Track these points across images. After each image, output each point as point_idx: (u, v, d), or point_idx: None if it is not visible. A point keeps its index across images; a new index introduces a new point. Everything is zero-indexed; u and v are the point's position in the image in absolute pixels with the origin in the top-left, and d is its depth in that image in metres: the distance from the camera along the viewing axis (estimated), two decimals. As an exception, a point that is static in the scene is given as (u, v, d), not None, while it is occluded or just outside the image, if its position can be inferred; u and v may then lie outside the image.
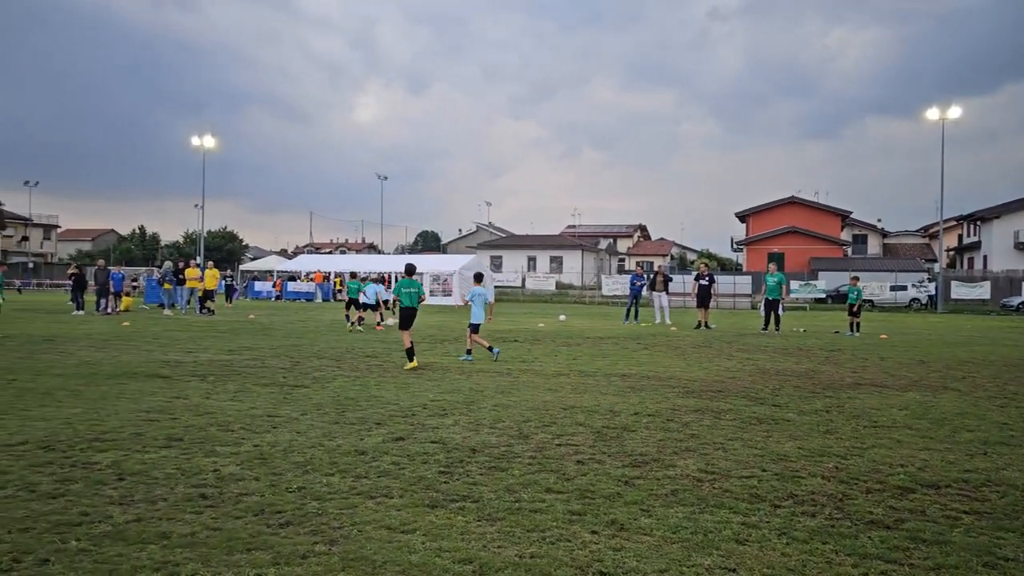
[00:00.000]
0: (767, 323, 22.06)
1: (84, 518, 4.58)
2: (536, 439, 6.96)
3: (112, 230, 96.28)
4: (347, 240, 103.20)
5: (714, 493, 5.29)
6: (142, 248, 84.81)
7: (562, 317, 27.94)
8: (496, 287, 51.44)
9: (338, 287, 45.91)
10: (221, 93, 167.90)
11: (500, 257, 73.78)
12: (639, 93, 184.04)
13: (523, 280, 61.33)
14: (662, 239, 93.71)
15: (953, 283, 46.93)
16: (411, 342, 12.31)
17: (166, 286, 28.71)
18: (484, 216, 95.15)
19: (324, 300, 45.70)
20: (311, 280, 47.76)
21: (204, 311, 27.38)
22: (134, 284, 38.15)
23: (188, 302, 28.59)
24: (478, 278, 14.31)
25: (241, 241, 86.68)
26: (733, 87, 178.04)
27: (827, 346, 17.56)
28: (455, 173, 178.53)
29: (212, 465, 5.85)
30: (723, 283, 42.59)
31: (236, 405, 8.52)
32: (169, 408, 8.26)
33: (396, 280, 28.35)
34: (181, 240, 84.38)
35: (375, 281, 22.33)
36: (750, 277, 47.64)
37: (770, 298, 22.05)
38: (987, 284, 47.01)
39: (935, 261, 57.94)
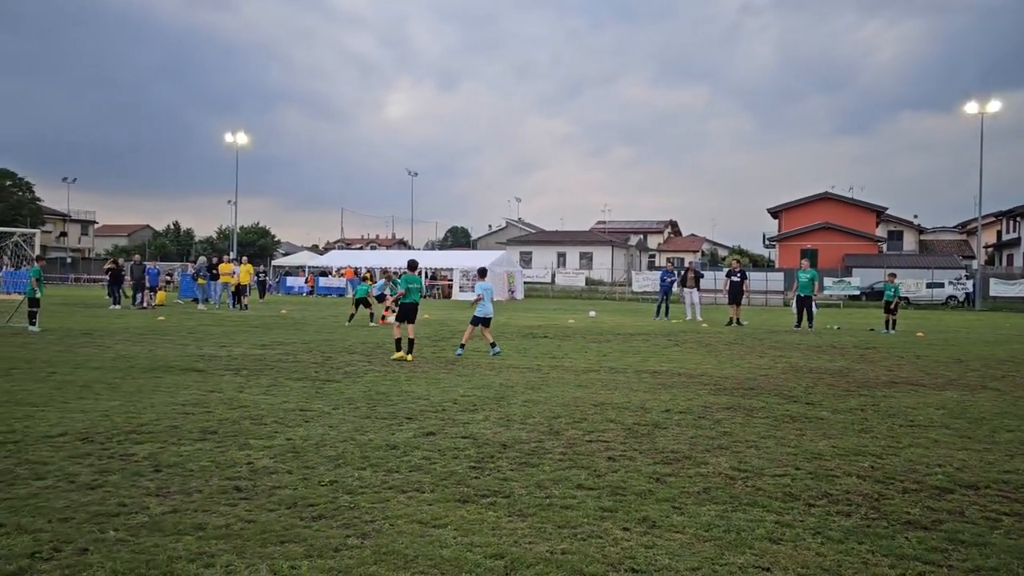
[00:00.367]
0: (800, 320, 21.82)
1: (122, 509, 4.66)
2: (567, 435, 6.95)
3: (148, 226, 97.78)
4: (378, 236, 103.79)
5: (747, 491, 5.24)
6: (177, 243, 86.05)
7: (592, 313, 27.86)
8: (525, 283, 51.47)
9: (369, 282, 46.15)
10: (254, 91, 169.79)
11: (530, 253, 73.74)
12: (670, 89, 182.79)
13: (553, 276, 61.27)
14: (693, 235, 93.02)
15: (992, 280, 45.97)
16: (413, 335, 12.82)
17: (200, 281, 29.11)
18: (514, 212, 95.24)
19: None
20: (342, 275, 48.09)
21: (237, 306, 27.70)
22: (168, 279, 38.71)
23: (221, 297, 28.96)
24: (482, 273, 14.63)
25: (273, 237, 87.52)
26: (765, 82, 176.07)
27: (862, 344, 17.33)
28: (485, 170, 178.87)
29: (246, 458, 5.92)
30: (755, 280, 42.21)
31: (269, 399, 8.62)
32: (204, 401, 8.37)
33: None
34: (215, 236, 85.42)
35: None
36: (782, 274, 47.13)
37: (803, 295, 21.80)
38: (1027, 281, 45.99)
39: (973, 258, 56.89)
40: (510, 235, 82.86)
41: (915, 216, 72.26)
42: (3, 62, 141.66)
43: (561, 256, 73.61)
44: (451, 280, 45.09)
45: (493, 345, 13.62)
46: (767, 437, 7.01)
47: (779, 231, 65.19)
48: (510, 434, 6.96)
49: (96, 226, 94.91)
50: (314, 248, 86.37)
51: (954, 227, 76.35)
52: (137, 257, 30.08)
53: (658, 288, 28.44)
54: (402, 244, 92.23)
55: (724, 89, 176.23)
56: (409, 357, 12.54)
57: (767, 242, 70.52)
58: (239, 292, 28.13)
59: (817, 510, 4.87)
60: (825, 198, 63.11)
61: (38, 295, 17.01)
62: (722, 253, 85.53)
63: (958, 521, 4.69)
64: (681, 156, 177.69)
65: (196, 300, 29.76)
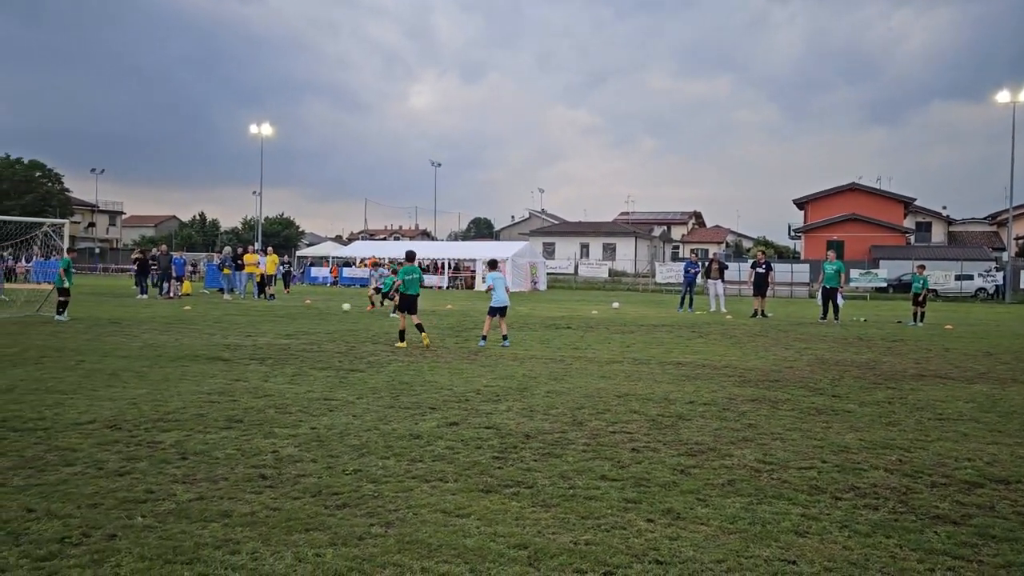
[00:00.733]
0: (825, 312, 21.61)
1: (149, 495, 4.71)
2: (590, 426, 6.93)
3: (174, 216, 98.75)
4: (401, 227, 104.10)
5: (772, 484, 5.20)
6: (202, 234, 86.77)
7: (615, 304, 27.77)
8: (548, 274, 51.39)
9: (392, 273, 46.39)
10: (280, 82, 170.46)
11: (553, 244, 73.58)
12: (695, 79, 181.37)
13: (576, 267, 61.11)
14: (717, 226, 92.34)
15: (1023, 272, 45.26)
16: (419, 321, 13.21)
17: (226, 271, 29.37)
18: (537, 203, 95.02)
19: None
20: (366, 266, 48.32)
21: (262, 296, 27.91)
22: (192, 269, 39.10)
23: (247, 287, 29.21)
24: (492, 264, 14.78)
25: (298, 228, 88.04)
26: (792, 72, 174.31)
27: (889, 336, 17.12)
28: (508, 161, 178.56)
29: (271, 446, 5.97)
30: (780, 271, 41.84)
31: (293, 388, 8.67)
32: (229, 390, 8.44)
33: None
34: (240, 226, 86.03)
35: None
36: (808, 265, 46.65)
37: (828, 286, 21.58)
38: (1059, 274, 45.22)
39: (1003, 250, 55.91)
40: (533, 226, 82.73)
41: (944, 207, 71.18)
42: (33, 55, 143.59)
43: (584, 247, 73.39)
44: (474, 271, 45.15)
45: (505, 337, 13.67)
46: (793, 430, 6.95)
47: (805, 222, 64.56)
48: (533, 424, 6.95)
49: (124, 217, 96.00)
50: (338, 239, 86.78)
51: (984, 218, 75.05)
52: (164, 247, 30.38)
53: (682, 279, 28.27)
54: (425, 235, 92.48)
55: (750, 79, 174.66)
56: (425, 340, 12.95)
57: (792, 233, 69.82)
58: (264, 282, 28.36)
59: (844, 503, 4.81)
60: (852, 189, 62.38)
61: (67, 285, 17.22)
62: (747, 244, 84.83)
63: (988, 516, 4.62)
64: (705, 147, 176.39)
65: (222, 290, 30.02)
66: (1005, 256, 50.75)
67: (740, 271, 38.14)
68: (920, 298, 21.49)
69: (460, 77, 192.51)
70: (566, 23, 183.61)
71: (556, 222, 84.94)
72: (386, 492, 4.86)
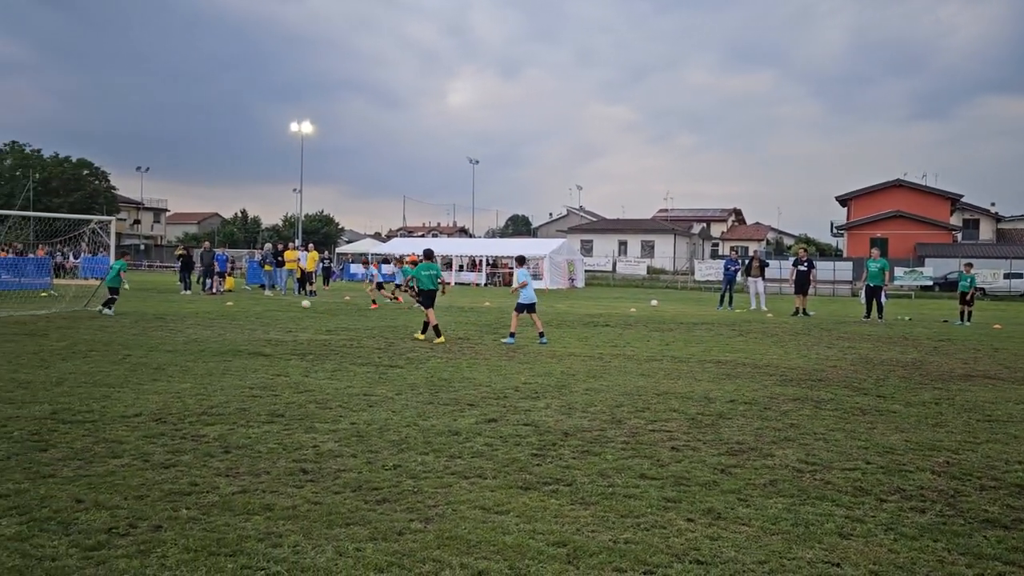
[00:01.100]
0: (869, 311, 21.21)
1: (194, 488, 4.79)
2: (629, 424, 6.90)
3: (216, 214, 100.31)
4: (439, 224, 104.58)
5: (815, 485, 5.12)
6: (244, 231, 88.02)
7: (654, 302, 27.58)
8: (586, 271, 51.24)
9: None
10: (318, 80, 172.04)
11: (591, 241, 73.36)
12: (736, 74, 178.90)
13: (614, 264, 60.87)
14: (757, 223, 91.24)
15: (1074, 271, 43.98)
16: (434, 320, 13.49)
17: (267, 268, 29.76)
18: (575, 200, 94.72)
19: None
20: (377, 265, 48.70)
21: (303, 292, 28.23)
22: (232, 265, 39.68)
23: (287, 283, 29.57)
24: (520, 260, 14.89)
25: (337, 224, 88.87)
26: (836, 66, 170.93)
27: (935, 335, 16.77)
28: (546, 157, 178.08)
29: (312, 441, 6.03)
30: (822, 269, 41.22)
31: (334, 384, 8.76)
32: (271, 385, 8.55)
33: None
34: (280, 223, 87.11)
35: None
36: (851, 263, 45.82)
37: (872, 285, 21.17)
38: (1113, 272, 43.86)
39: (1055, 247, 54.45)
40: (571, 223, 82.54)
41: (992, 204, 69.43)
42: (82, 55, 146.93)
43: (622, 244, 73.05)
44: (511, 268, 45.19)
45: (541, 335, 13.63)
46: (836, 430, 6.84)
47: (848, 219, 63.48)
48: (572, 422, 6.93)
49: (168, 214, 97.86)
50: (377, 236, 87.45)
51: (1034, 215, 73.09)
52: (207, 244, 30.89)
53: (722, 277, 28.00)
54: (463, 232, 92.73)
55: (792, 74, 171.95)
56: (440, 339, 13.14)
57: (835, 231, 68.70)
58: (304, 279, 28.67)
59: (889, 505, 4.72)
60: (897, 185, 61.14)
61: (126, 286, 17.73)
62: (787, 242, 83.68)
63: (1041, 521, 4.50)
64: (746, 143, 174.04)
65: (263, 286, 30.44)
66: (1057, 254, 49.38)
67: (781, 269, 37.61)
68: (968, 297, 21.01)
69: (498, 74, 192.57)
70: (605, 18, 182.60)
71: (594, 219, 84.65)
72: (425, 488, 4.89)
